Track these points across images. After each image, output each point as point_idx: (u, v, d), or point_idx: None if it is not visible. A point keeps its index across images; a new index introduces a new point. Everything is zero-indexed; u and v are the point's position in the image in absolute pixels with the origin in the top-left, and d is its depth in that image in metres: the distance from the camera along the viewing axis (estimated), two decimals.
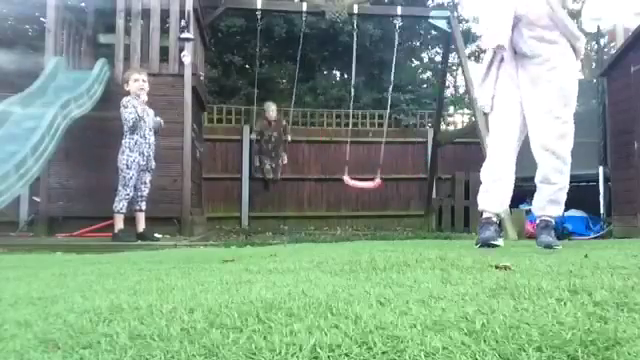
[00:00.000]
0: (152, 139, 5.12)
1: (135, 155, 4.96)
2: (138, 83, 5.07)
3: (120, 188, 4.92)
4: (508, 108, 2.98)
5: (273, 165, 8.07)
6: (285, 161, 8.22)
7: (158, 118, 5.29)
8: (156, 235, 5.17)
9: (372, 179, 7.62)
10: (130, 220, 5.05)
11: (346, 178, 7.52)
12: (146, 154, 5.03)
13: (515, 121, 2.97)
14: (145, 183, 5.09)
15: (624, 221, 6.16)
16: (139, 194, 5.05)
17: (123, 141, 4.97)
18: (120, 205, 4.91)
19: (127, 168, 4.92)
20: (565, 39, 2.89)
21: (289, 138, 8.19)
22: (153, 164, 5.14)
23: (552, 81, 2.85)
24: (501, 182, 3.00)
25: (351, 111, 8.08)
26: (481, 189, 3.08)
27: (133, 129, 4.94)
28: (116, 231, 4.91)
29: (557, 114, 2.84)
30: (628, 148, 6.11)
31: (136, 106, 4.96)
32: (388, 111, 8.08)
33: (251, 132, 8.58)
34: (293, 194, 9.60)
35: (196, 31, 6.48)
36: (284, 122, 8.18)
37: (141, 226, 5.08)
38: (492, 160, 3.05)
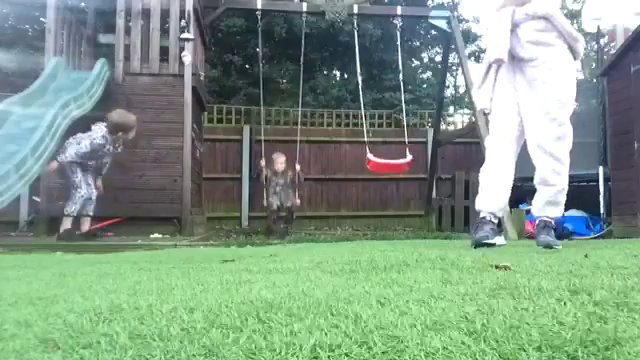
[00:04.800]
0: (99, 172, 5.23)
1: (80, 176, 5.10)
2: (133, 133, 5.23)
3: (73, 192, 5.07)
4: (506, 110, 3.00)
5: (279, 204, 7.18)
6: (298, 203, 7.42)
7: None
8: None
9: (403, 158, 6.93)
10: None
11: (370, 155, 6.90)
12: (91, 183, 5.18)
13: (513, 123, 2.98)
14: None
15: (624, 221, 6.15)
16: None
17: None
18: (73, 208, 5.03)
19: (71, 172, 5.05)
20: (562, 40, 2.90)
21: (301, 178, 7.43)
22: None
23: (548, 83, 2.86)
24: (498, 182, 3.01)
25: (362, 110, 7.87)
26: (479, 189, 3.10)
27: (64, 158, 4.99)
28: (61, 231, 5.03)
29: (554, 116, 2.85)
30: (628, 148, 6.11)
31: (99, 151, 5.06)
32: (403, 107, 8.00)
33: (254, 172, 7.69)
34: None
35: (196, 31, 6.48)
36: (297, 171, 7.32)
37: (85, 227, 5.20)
38: (490, 161, 3.06)
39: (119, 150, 5.25)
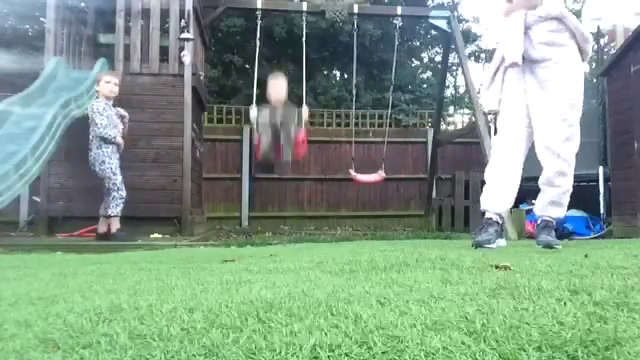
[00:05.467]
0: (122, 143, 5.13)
1: (115, 160, 4.97)
2: (110, 85, 5.06)
3: (114, 194, 4.92)
4: (514, 111, 3.00)
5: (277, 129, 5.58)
6: (303, 135, 5.69)
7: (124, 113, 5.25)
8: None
9: (375, 172, 7.22)
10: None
11: (352, 172, 7.14)
12: (119, 156, 5.08)
13: (521, 124, 2.98)
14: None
15: (624, 221, 6.15)
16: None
17: (99, 151, 4.92)
18: (118, 210, 4.94)
19: (114, 175, 4.92)
20: (574, 41, 2.91)
21: (305, 117, 5.85)
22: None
23: (560, 83, 2.87)
24: (505, 183, 3.01)
25: (353, 110, 7.93)
26: (484, 189, 3.09)
27: (108, 140, 4.93)
28: (114, 230, 4.94)
29: (565, 117, 2.85)
30: (628, 148, 6.11)
31: (110, 116, 4.95)
32: (390, 111, 7.99)
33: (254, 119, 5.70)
34: (293, 194, 9.61)
35: (196, 31, 6.48)
36: (305, 113, 5.83)
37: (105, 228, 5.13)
38: (497, 161, 3.06)
39: (125, 114, 5.23)
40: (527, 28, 2.91)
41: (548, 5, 2.89)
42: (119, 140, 5.00)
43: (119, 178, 4.95)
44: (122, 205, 4.97)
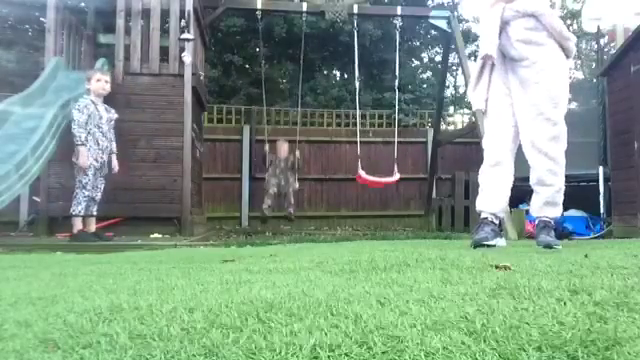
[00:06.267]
0: (106, 144, 5.01)
1: (91, 160, 4.83)
2: (101, 83, 5.01)
3: (78, 191, 4.82)
4: (501, 111, 3.00)
5: (280, 191, 7.28)
6: (297, 187, 7.43)
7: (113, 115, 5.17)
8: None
9: (391, 174, 7.18)
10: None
11: (361, 172, 7.05)
12: (100, 160, 4.94)
13: (508, 123, 2.98)
14: (98, 188, 4.98)
15: (624, 221, 6.16)
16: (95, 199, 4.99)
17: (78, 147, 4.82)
18: (79, 209, 4.82)
19: (85, 175, 4.81)
20: (553, 40, 2.90)
21: (300, 163, 7.51)
22: (106, 170, 5.04)
23: (541, 83, 2.86)
24: (498, 183, 3.01)
25: (358, 111, 7.92)
26: (479, 190, 3.10)
27: (84, 138, 4.81)
28: (75, 232, 4.83)
29: (548, 116, 2.85)
30: (628, 148, 6.11)
31: (92, 114, 4.86)
32: (396, 110, 8.00)
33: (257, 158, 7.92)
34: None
35: (196, 31, 6.48)
36: (297, 155, 7.29)
37: (93, 227, 5.05)
38: (488, 162, 3.06)
39: (115, 115, 5.14)
40: (505, 23, 2.91)
41: (525, 0, 2.87)
42: (82, 151, 4.75)
43: (89, 178, 4.82)
44: (85, 204, 4.82)
